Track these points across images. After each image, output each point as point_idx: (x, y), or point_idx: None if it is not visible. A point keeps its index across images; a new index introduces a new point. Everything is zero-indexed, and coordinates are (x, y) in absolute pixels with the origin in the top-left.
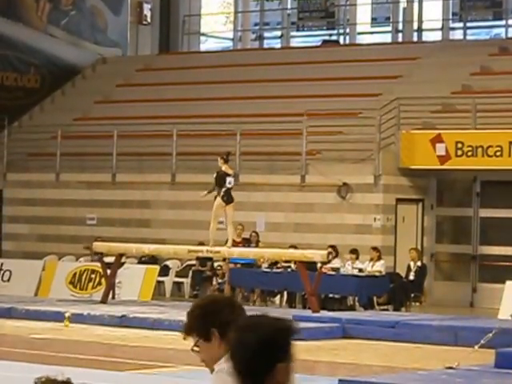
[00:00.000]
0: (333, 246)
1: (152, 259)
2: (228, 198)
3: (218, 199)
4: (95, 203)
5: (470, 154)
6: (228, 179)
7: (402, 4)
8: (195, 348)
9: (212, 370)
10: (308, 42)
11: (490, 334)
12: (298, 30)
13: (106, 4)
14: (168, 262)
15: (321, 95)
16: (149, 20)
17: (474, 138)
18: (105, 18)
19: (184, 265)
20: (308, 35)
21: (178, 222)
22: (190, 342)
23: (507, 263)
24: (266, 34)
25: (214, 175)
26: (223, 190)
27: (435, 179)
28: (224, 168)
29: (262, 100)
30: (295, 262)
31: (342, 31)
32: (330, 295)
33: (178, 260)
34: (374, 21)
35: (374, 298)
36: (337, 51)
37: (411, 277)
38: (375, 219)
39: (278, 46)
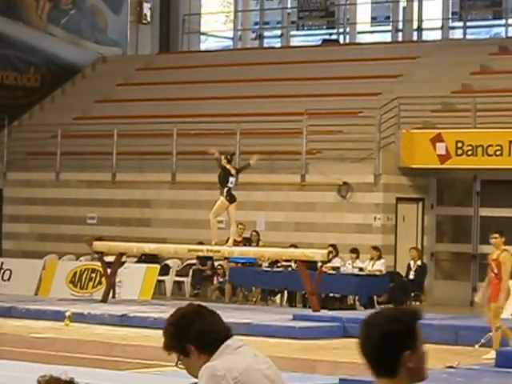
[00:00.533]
0: (333, 245)
1: (152, 258)
2: (231, 198)
3: (222, 198)
4: (95, 202)
5: (470, 153)
6: (230, 179)
7: (402, 3)
8: (179, 365)
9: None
10: (308, 41)
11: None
12: (297, 29)
13: (106, 3)
14: (168, 261)
15: (321, 94)
16: (149, 19)
17: (474, 137)
18: (105, 17)
19: (184, 264)
20: (308, 34)
21: (179, 221)
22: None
23: None
24: (266, 33)
25: (218, 174)
26: (225, 189)
27: (435, 178)
28: (227, 168)
29: (262, 99)
30: (295, 261)
31: (341, 30)
32: (331, 294)
33: (178, 259)
34: (374, 20)
35: (375, 297)
36: (337, 50)
37: (411, 276)
38: (375, 218)
39: (278, 45)
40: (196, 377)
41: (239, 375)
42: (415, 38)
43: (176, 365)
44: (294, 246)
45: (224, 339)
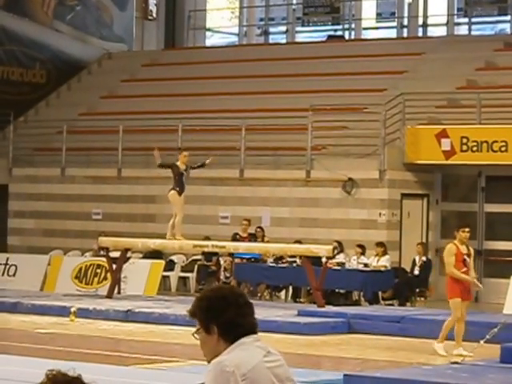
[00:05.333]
0: (338, 242)
1: (157, 254)
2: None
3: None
4: (101, 198)
5: (474, 149)
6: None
7: None
8: (196, 335)
9: (209, 362)
10: (313, 38)
11: (495, 329)
12: (303, 26)
13: None
14: (173, 257)
15: (326, 90)
16: (154, 15)
17: (479, 133)
18: (110, 13)
19: (189, 260)
20: (313, 30)
21: (184, 216)
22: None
23: None
24: (272, 30)
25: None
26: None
27: (440, 174)
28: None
29: (267, 95)
30: (300, 257)
31: (347, 26)
32: (336, 290)
33: (183, 255)
34: (379, 16)
35: (379, 293)
36: (342, 46)
37: (416, 272)
38: (380, 214)
39: (284, 41)
40: (206, 356)
41: (248, 372)
42: (420, 34)
43: (193, 334)
44: (299, 241)
45: (247, 334)
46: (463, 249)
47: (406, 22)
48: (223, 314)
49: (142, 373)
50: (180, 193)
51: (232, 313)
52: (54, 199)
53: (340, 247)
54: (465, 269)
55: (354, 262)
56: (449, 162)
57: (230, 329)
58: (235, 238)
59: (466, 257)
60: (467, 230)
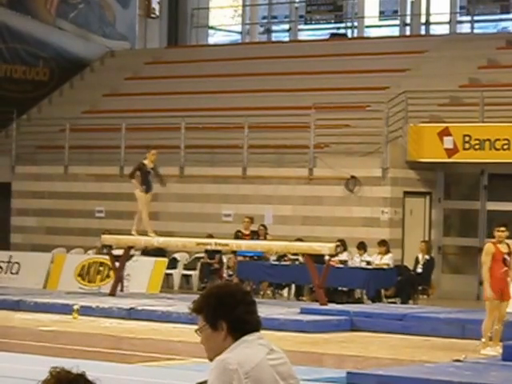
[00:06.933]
0: (341, 241)
1: (160, 252)
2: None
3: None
4: (103, 196)
5: (477, 147)
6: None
7: None
8: (199, 332)
9: (211, 360)
10: (316, 36)
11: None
12: (306, 24)
13: None
14: (176, 255)
15: (328, 88)
16: (157, 13)
17: (482, 131)
18: (113, 11)
19: (192, 257)
20: (316, 28)
21: (186, 214)
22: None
23: None
24: (274, 28)
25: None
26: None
27: (443, 172)
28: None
29: (270, 93)
30: (303, 255)
31: (349, 24)
32: (338, 288)
33: (186, 253)
34: (382, 14)
35: (382, 291)
36: (345, 44)
37: (419, 269)
38: (383, 212)
39: (286, 39)
40: (209, 354)
41: (251, 370)
42: (423, 32)
43: (196, 331)
44: (300, 239)
45: (252, 332)
46: (503, 247)
47: (408, 20)
48: (234, 311)
49: (145, 370)
50: (146, 191)
51: (242, 310)
52: (57, 197)
53: (343, 245)
54: (505, 268)
55: (356, 259)
56: (451, 160)
57: (238, 325)
58: (237, 235)
59: (506, 256)
60: (502, 229)
